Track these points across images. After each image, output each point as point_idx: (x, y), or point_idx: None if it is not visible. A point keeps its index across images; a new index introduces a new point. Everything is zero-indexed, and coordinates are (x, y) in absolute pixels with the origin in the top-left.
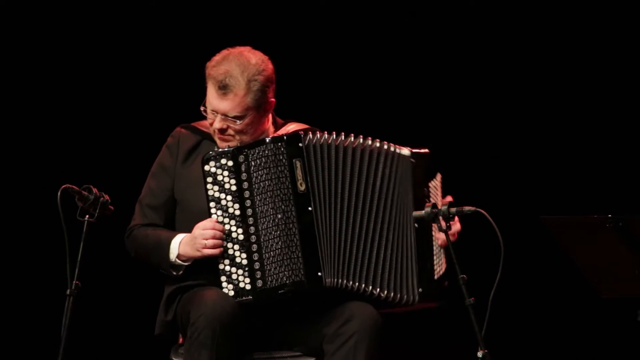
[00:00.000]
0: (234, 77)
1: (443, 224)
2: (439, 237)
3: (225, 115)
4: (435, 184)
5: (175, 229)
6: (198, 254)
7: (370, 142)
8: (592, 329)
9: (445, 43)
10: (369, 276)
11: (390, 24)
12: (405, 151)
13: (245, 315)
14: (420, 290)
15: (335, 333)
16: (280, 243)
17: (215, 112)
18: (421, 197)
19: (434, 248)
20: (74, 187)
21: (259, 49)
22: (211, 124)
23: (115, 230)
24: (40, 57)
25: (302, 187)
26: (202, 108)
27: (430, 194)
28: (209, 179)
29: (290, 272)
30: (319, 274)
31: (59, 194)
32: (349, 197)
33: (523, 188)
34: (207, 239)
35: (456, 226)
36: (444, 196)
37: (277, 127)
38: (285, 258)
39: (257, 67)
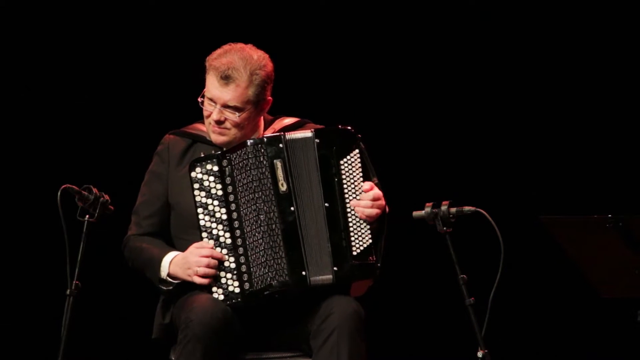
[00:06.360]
0: (236, 69)
1: (440, 225)
2: (358, 211)
3: (224, 106)
4: (351, 160)
5: (170, 234)
6: (188, 278)
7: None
8: (592, 329)
9: (445, 42)
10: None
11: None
12: (307, 133)
13: (240, 319)
14: (335, 269)
15: (317, 329)
16: (264, 244)
17: (214, 102)
18: (329, 176)
19: (352, 224)
20: (74, 187)
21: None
22: (208, 116)
23: (115, 230)
24: (40, 58)
25: (284, 188)
26: (200, 99)
27: (343, 172)
28: (196, 185)
29: (275, 273)
30: (303, 273)
31: (59, 194)
32: (318, 192)
33: (523, 188)
34: (200, 267)
35: (376, 192)
36: (365, 172)
37: (266, 123)
38: (269, 259)
39: (258, 62)
